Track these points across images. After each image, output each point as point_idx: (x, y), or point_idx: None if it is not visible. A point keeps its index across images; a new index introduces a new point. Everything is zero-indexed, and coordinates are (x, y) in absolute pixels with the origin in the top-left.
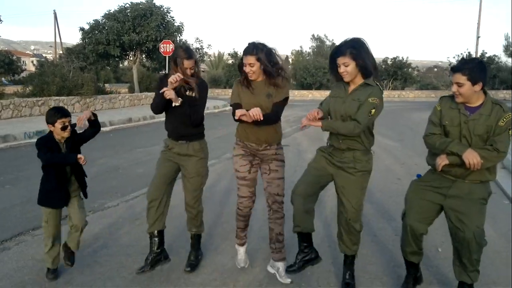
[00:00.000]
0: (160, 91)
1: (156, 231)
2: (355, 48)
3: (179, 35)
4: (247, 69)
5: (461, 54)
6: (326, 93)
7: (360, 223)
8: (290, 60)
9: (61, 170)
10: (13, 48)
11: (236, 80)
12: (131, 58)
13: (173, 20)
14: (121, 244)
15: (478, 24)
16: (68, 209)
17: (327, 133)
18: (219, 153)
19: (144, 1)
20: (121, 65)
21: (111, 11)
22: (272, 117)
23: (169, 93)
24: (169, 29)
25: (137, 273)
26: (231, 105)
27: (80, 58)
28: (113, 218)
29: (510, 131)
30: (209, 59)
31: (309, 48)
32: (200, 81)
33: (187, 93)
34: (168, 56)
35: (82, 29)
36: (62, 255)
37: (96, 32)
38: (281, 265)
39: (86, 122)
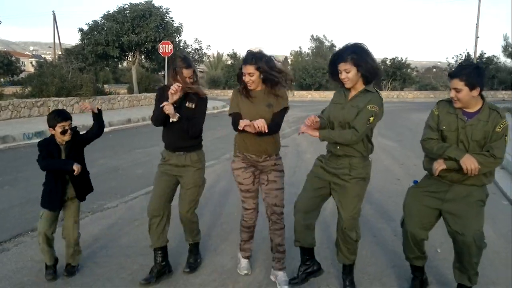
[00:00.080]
0: (160, 105)
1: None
2: (357, 53)
3: (178, 35)
4: (246, 78)
5: (460, 54)
6: (325, 93)
7: (357, 232)
8: (289, 60)
9: (59, 173)
10: (12, 49)
11: (234, 89)
12: (130, 59)
13: (172, 20)
14: (120, 245)
15: (477, 24)
16: (64, 215)
17: None
18: (218, 154)
19: (143, 2)
20: (120, 66)
21: (110, 12)
22: (273, 128)
23: (168, 108)
24: (168, 30)
25: (141, 284)
26: (229, 115)
27: (79, 59)
28: (112, 219)
29: (506, 137)
30: (208, 60)
31: (308, 48)
32: (200, 95)
33: (187, 104)
34: (167, 67)
35: (81, 30)
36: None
37: (95, 33)
38: (280, 274)
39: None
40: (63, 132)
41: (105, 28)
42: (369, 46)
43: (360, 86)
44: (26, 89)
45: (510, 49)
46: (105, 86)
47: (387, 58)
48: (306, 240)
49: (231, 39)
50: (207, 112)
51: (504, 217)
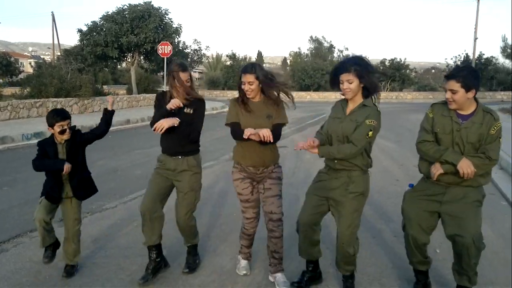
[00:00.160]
0: (153, 128)
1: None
2: (360, 65)
3: (177, 36)
4: (246, 87)
5: (459, 55)
6: (324, 94)
7: (354, 247)
8: (288, 61)
9: (56, 172)
10: (11, 50)
11: (232, 99)
12: (129, 60)
13: (171, 21)
14: (119, 246)
15: (476, 26)
16: (62, 213)
17: None
18: (217, 154)
19: (142, 3)
20: (119, 66)
21: (109, 13)
22: (275, 139)
23: (164, 125)
24: (167, 31)
25: (140, 284)
26: (227, 124)
27: (78, 59)
28: (111, 220)
29: (500, 139)
30: (207, 61)
31: (307, 49)
32: (197, 99)
33: (185, 110)
34: (166, 68)
35: (80, 30)
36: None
37: (94, 33)
38: (279, 275)
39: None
40: (62, 132)
41: (104, 29)
42: (368, 46)
43: (359, 99)
44: (25, 90)
45: (508, 50)
46: (104, 87)
47: (386, 59)
48: (312, 254)
49: (230, 40)
50: (206, 113)
51: (503, 217)
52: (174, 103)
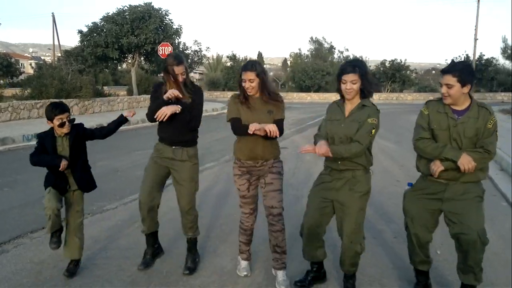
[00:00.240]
0: (155, 116)
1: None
2: (361, 68)
3: (178, 37)
4: (246, 84)
5: (459, 56)
6: (325, 95)
7: (361, 245)
8: (288, 62)
9: (54, 167)
10: (11, 51)
11: (232, 96)
12: (130, 61)
13: (172, 22)
14: (119, 247)
15: (476, 26)
16: (66, 207)
17: None
18: (218, 155)
19: (142, 4)
20: (119, 67)
21: (110, 14)
22: (280, 134)
23: (168, 112)
24: (168, 32)
25: (139, 269)
26: (228, 121)
27: (78, 60)
28: (112, 221)
29: (497, 133)
30: (207, 62)
31: (308, 50)
32: (194, 87)
33: (184, 100)
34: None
35: (80, 31)
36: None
37: (95, 34)
38: (280, 274)
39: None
40: (61, 125)
41: (104, 30)
42: (369, 47)
43: (357, 100)
44: (26, 91)
45: (509, 51)
46: (105, 88)
47: (386, 60)
48: (316, 256)
49: (230, 41)
50: (206, 114)
51: (503, 218)
52: (172, 93)
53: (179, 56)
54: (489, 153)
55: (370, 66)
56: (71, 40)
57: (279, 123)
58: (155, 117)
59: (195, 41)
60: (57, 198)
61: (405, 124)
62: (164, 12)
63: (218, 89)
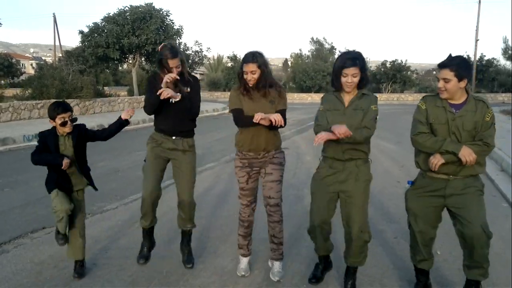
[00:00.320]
0: (157, 93)
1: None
2: (360, 60)
3: (179, 38)
4: (248, 76)
5: None
6: None
7: (369, 232)
8: (289, 63)
9: (57, 166)
10: (12, 51)
11: (233, 87)
12: (131, 61)
13: (173, 23)
14: (120, 247)
15: (477, 27)
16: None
17: None
18: (218, 155)
19: (143, 4)
20: (120, 68)
21: (111, 14)
22: (283, 125)
23: (166, 93)
24: (169, 32)
25: (142, 264)
26: (231, 111)
27: (79, 61)
28: (112, 221)
29: (494, 126)
30: (208, 62)
31: (308, 51)
32: (191, 76)
33: (182, 90)
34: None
35: (81, 32)
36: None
37: (96, 35)
38: (275, 263)
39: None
40: (63, 124)
41: (105, 30)
42: (369, 48)
43: (354, 91)
44: (27, 91)
45: (510, 52)
46: (106, 88)
47: (387, 61)
48: (328, 249)
49: (231, 41)
50: (207, 114)
51: (504, 219)
52: (170, 76)
53: (174, 48)
54: (488, 146)
55: (371, 67)
56: (72, 41)
57: (283, 113)
58: (158, 94)
59: (196, 41)
60: (67, 199)
61: (406, 125)
62: (165, 12)
63: (218, 89)
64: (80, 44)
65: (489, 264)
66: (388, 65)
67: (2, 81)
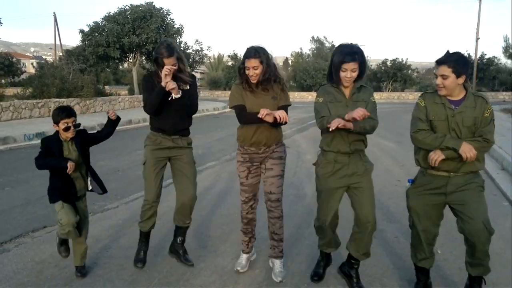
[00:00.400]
0: (162, 85)
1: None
2: (359, 54)
3: (179, 37)
4: (250, 72)
5: None
6: None
7: (376, 220)
8: (290, 62)
9: (61, 170)
10: (12, 50)
11: (235, 84)
12: (131, 60)
13: (173, 22)
14: (120, 246)
15: (478, 26)
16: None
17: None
18: (219, 155)
19: (143, 4)
20: (121, 67)
21: (111, 13)
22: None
23: (171, 83)
24: (169, 31)
25: (140, 268)
26: (232, 107)
27: (80, 60)
28: (113, 220)
29: (494, 121)
30: (208, 61)
31: (309, 50)
32: (188, 74)
33: (181, 87)
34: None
35: (82, 31)
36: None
37: (96, 34)
38: (276, 263)
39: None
40: (66, 129)
41: (106, 30)
42: (370, 46)
43: (351, 84)
44: (27, 90)
45: (510, 50)
46: (106, 87)
47: (387, 59)
48: (338, 242)
49: (231, 40)
50: (207, 113)
51: (504, 218)
52: (168, 68)
53: (170, 46)
54: (488, 142)
55: (371, 65)
56: (72, 40)
57: (285, 110)
58: (163, 85)
59: (196, 40)
60: (73, 211)
61: (406, 124)
62: (165, 11)
63: (219, 88)
64: (81, 43)
65: (490, 259)
66: (388, 63)
67: (3, 80)
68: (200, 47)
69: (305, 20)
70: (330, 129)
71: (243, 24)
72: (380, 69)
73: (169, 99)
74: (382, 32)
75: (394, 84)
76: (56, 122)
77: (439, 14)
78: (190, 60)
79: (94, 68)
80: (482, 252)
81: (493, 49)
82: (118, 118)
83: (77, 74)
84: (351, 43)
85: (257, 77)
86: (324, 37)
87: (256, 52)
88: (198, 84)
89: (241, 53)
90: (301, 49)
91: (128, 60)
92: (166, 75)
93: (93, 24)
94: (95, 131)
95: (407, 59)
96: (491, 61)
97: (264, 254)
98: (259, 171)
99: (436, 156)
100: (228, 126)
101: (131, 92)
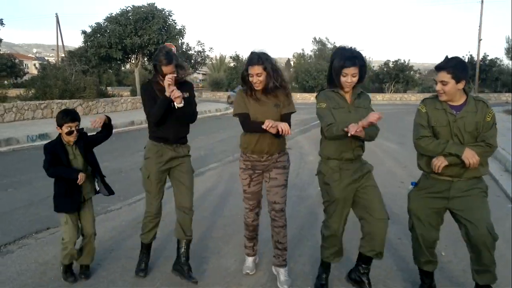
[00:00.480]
0: (166, 94)
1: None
2: (359, 59)
3: (181, 38)
4: (254, 79)
5: (463, 57)
6: None
7: None
8: (292, 63)
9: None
10: (15, 51)
11: (239, 90)
12: (133, 61)
13: (175, 23)
14: (123, 248)
15: (480, 27)
16: (80, 216)
17: None
18: (221, 156)
19: (145, 5)
20: (123, 68)
21: (113, 15)
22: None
23: (176, 92)
24: (171, 32)
25: (142, 277)
26: (236, 115)
27: (82, 61)
28: (116, 222)
29: (496, 126)
30: (211, 62)
31: (311, 51)
32: (185, 83)
33: (183, 94)
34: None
35: (84, 32)
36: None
37: (98, 35)
38: (281, 271)
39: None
40: (69, 133)
41: (108, 31)
42: (372, 48)
43: (351, 89)
44: (30, 92)
45: None
46: (108, 88)
47: (389, 60)
48: (342, 253)
49: (234, 41)
50: (209, 114)
51: (507, 219)
52: (170, 77)
53: (169, 54)
54: (490, 147)
55: (373, 67)
56: (74, 41)
57: (287, 118)
58: (167, 94)
59: (198, 41)
60: (76, 229)
61: (408, 125)
62: (167, 12)
63: (221, 89)
64: (83, 44)
65: (496, 266)
66: (391, 65)
67: (6, 82)
68: (202, 48)
69: (307, 21)
70: (349, 134)
71: (245, 25)
72: (382, 70)
73: (172, 107)
74: (384, 33)
75: (396, 86)
76: (60, 125)
77: (441, 15)
78: (192, 61)
79: (97, 69)
80: (488, 258)
81: (495, 50)
82: (108, 119)
83: (79, 75)
84: (350, 47)
85: (261, 84)
86: (326, 38)
87: (259, 59)
88: (200, 85)
89: (243, 54)
90: (303, 50)
91: (130, 61)
92: (169, 84)
93: (95, 25)
94: (94, 133)
95: (409, 60)
96: (493, 62)
97: (267, 256)
98: (261, 179)
99: (439, 163)
100: (230, 128)
101: (133, 93)
